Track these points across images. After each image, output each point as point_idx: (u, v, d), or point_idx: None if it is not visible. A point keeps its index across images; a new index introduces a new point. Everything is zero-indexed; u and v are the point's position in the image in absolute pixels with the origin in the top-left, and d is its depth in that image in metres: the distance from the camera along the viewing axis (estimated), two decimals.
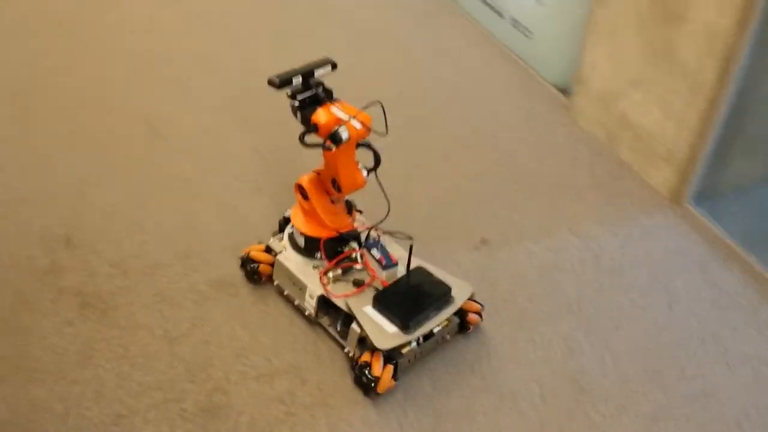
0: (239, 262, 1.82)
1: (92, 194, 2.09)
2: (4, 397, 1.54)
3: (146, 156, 2.26)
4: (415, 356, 1.64)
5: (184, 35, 2.89)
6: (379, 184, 1.64)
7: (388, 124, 1.56)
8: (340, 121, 1.52)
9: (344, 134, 1.50)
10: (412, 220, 1.86)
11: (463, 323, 1.72)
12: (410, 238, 1.66)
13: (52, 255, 1.88)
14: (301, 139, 1.53)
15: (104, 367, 1.61)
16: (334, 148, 1.51)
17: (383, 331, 1.56)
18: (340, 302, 1.63)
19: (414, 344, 1.61)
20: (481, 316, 1.74)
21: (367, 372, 1.55)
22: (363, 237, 1.72)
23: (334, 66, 1.58)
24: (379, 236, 1.72)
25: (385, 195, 1.66)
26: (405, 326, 1.55)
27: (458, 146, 2.42)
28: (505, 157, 2.39)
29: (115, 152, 2.27)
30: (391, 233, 1.73)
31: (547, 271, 1.98)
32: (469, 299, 1.69)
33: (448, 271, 1.72)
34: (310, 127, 1.53)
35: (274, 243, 1.78)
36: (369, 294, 1.63)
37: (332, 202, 1.67)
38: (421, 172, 2.29)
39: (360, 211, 1.84)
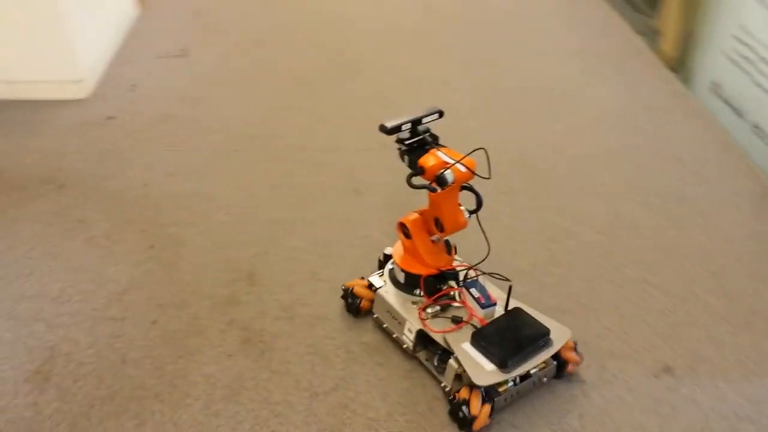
0: (341, 294, 1.94)
1: (283, 238, 2.21)
2: (153, 412, 1.65)
3: (341, 209, 2.35)
4: (512, 396, 1.67)
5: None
6: (480, 225, 1.73)
7: (490, 168, 1.64)
8: (445, 165, 1.61)
9: (449, 177, 1.59)
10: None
11: (560, 367, 1.73)
12: (508, 280, 1.73)
13: (233, 287, 2.00)
14: (409, 181, 1.63)
15: (246, 407, 1.66)
16: (439, 190, 1.61)
17: (481, 368, 1.60)
18: (438, 337, 1.69)
19: (511, 383, 1.64)
20: (578, 364, 1.76)
21: (464, 409, 1.60)
22: (462, 276, 1.79)
23: (441, 114, 1.68)
24: (477, 276, 1.79)
25: (485, 236, 1.75)
26: (503, 365, 1.59)
27: (666, 256, 2.20)
28: (717, 279, 2.11)
29: (314, 202, 2.39)
30: (489, 274, 1.80)
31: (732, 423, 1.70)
32: (568, 345, 1.72)
33: None
34: (417, 170, 1.63)
35: (374, 279, 1.89)
36: (466, 331, 1.69)
37: (432, 241, 1.76)
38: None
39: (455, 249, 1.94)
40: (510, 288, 1.71)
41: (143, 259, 2.08)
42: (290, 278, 2.04)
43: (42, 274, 2.02)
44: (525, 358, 1.62)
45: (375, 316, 1.88)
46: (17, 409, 1.63)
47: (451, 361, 1.67)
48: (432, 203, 1.69)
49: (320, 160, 2.60)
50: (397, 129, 1.63)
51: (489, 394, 1.62)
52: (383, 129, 1.63)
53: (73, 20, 2.79)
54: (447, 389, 1.69)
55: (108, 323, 1.86)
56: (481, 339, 1.64)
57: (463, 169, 1.62)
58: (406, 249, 1.78)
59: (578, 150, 2.69)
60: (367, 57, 3.38)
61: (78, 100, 2.90)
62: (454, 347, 1.65)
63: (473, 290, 1.73)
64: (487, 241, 1.76)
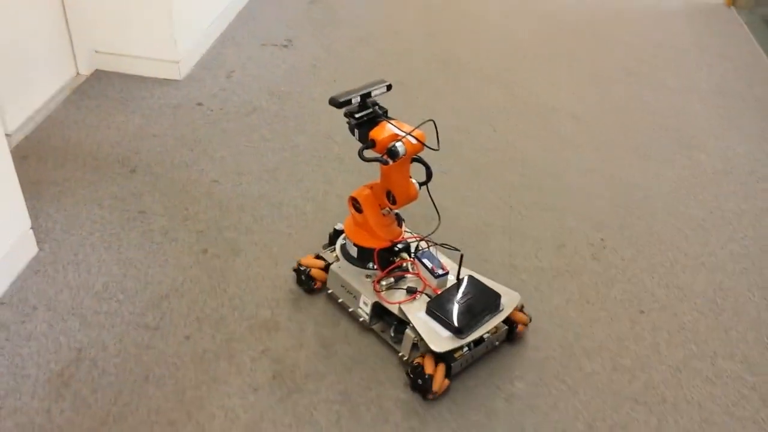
0: (294, 273, 1.94)
1: None
2: None
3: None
4: (467, 361, 1.71)
5: None
6: (431, 197, 1.77)
7: (439, 140, 1.65)
8: (396, 137, 1.62)
9: (401, 149, 1.60)
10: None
11: (511, 330, 1.78)
12: (458, 250, 1.78)
13: (277, 310, 1.87)
14: (360, 154, 1.63)
15: None
16: (390, 162, 1.62)
17: (437, 335, 1.64)
18: (394, 308, 1.72)
19: (466, 349, 1.69)
20: (527, 326, 1.81)
21: (423, 376, 1.62)
22: (414, 247, 1.82)
23: (389, 87, 1.71)
24: (429, 247, 1.82)
25: (436, 208, 1.80)
26: (459, 331, 1.63)
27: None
28: None
29: None
30: (440, 245, 1.83)
31: None
32: (517, 309, 1.78)
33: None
34: (369, 143, 1.63)
35: (326, 254, 1.91)
36: (421, 301, 1.72)
37: (383, 215, 1.77)
38: None
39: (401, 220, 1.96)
40: (461, 257, 1.74)
41: (192, 263, 1.99)
42: (339, 312, 1.89)
43: (91, 264, 1.97)
44: (478, 324, 1.66)
45: (329, 291, 1.90)
46: (30, 413, 1.57)
47: (408, 330, 1.70)
48: (383, 176, 1.70)
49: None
50: (347, 102, 1.64)
51: (446, 360, 1.65)
52: (333, 102, 1.64)
53: (179, 1, 2.75)
54: (405, 358, 1.71)
55: (141, 332, 1.78)
56: (436, 307, 1.67)
57: (413, 141, 1.63)
58: (357, 223, 1.80)
59: (693, 209, 2.36)
60: (478, 65, 3.16)
61: (174, 81, 2.86)
62: (410, 317, 1.68)
63: (426, 261, 1.76)
64: (438, 212, 1.81)
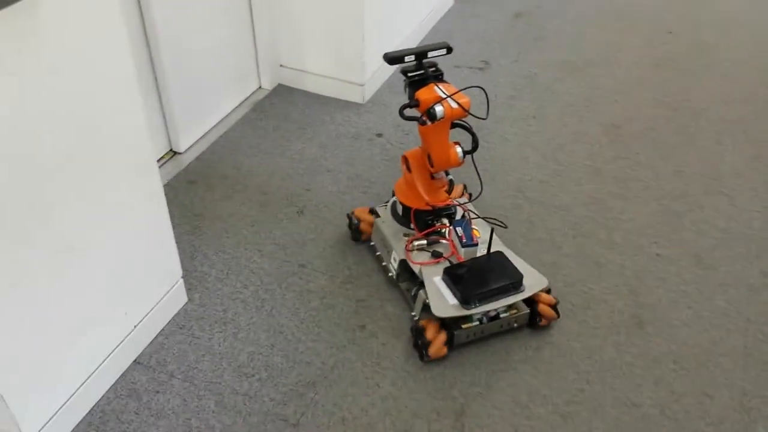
0: (347, 220, 2.01)
1: None
2: None
3: None
4: (475, 334, 1.68)
5: None
6: (476, 167, 1.76)
7: (489, 108, 1.70)
8: (438, 99, 1.59)
9: (440, 111, 1.59)
10: None
11: (533, 315, 1.72)
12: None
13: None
14: (401, 111, 1.63)
15: None
16: (428, 123, 1.61)
17: (445, 301, 1.63)
18: (416, 268, 1.73)
19: (476, 322, 1.66)
20: (557, 311, 1.74)
21: (422, 337, 1.64)
22: (458, 215, 1.82)
23: (449, 50, 1.67)
24: (467, 216, 1.81)
25: (480, 177, 1.86)
26: (465, 300, 1.61)
27: None
28: None
29: None
30: (484, 218, 1.84)
31: None
32: (543, 292, 1.72)
33: None
34: (413, 102, 1.63)
35: (379, 209, 1.95)
36: (444, 266, 1.70)
37: (432, 177, 1.75)
38: None
39: (470, 195, 2.02)
40: (492, 230, 1.71)
41: (347, 342, 1.73)
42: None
43: (239, 327, 1.77)
44: (490, 298, 1.63)
45: (371, 243, 1.94)
46: None
47: (421, 291, 1.70)
48: (422, 137, 1.69)
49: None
50: (398, 59, 1.64)
51: (450, 327, 1.65)
52: (385, 57, 1.63)
53: (372, 22, 2.48)
54: (415, 318, 1.72)
55: (279, 426, 1.54)
56: (451, 275, 1.67)
57: (454, 105, 1.59)
58: (407, 182, 1.79)
59: None
60: (718, 114, 2.60)
61: (356, 104, 2.62)
62: (425, 279, 1.69)
63: (458, 229, 1.74)
64: (480, 180, 1.89)
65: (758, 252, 2.01)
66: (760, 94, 2.72)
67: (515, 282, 1.65)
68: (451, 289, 1.65)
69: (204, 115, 2.40)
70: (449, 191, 1.79)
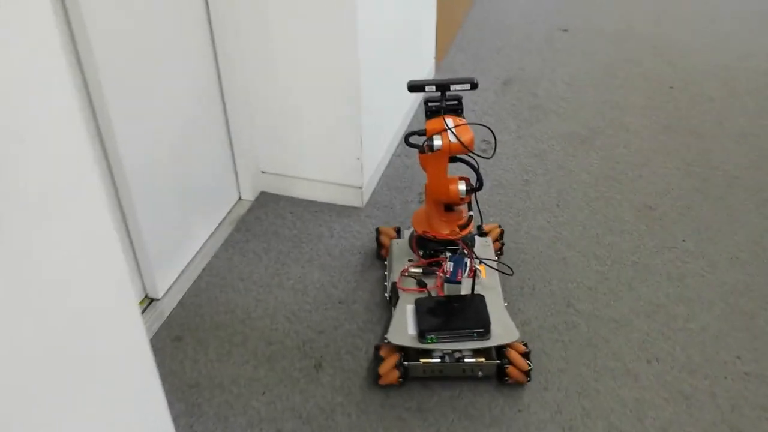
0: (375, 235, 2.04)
1: None
2: None
3: None
4: (432, 371, 1.66)
5: None
6: (477, 206, 1.76)
7: (496, 148, 1.80)
8: (441, 130, 1.61)
9: (436, 142, 1.62)
10: None
11: (501, 369, 1.65)
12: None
13: None
14: (406, 138, 1.68)
15: None
16: (426, 152, 1.63)
17: (404, 329, 1.65)
18: (400, 292, 1.75)
19: (437, 360, 1.64)
20: (528, 375, 1.66)
21: (377, 354, 1.66)
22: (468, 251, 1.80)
23: (473, 86, 1.64)
24: (464, 253, 1.76)
25: (480, 215, 1.84)
26: (421, 334, 1.62)
27: None
28: None
29: None
30: (486, 259, 1.83)
31: None
32: (519, 353, 1.66)
33: None
34: (421, 130, 1.65)
35: (406, 231, 1.96)
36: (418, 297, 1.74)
37: (449, 210, 1.75)
38: None
39: (502, 245, 2.03)
40: (475, 271, 1.72)
41: None
42: None
43: None
44: (450, 338, 1.62)
45: (385, 262, 1.97)
46: None
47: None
48: (421, 165, 1.70)
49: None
50: (419, 88, 1.65)
51: (406, 356, 1.65)
52: (408, 84, 1.66)
53: (369, 119, 2.14)
54: (385, 341, 1.69)
55: None
56: (420, 306, 1.69)
57: (453, 139, 1.60)
58: (425, 210, 1.81)
59: None
60: (757, 181, 2.36)
61: (354, 209, 2.26)
62: (399, 304, 1.72)
63: (450, 263, 1.71)
64: (481, 217, 1.88)
65: None
66: None
67: (480, 328, 1.63)
68: (415, 320, 1.66)
69: (180, 246, 2.00)
70: (465, 226, 1.75)
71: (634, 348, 1.79)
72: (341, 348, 1.79)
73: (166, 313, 1.89)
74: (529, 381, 1.67)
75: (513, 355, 1.66)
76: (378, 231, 2.02)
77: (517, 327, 1.70)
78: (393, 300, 1.79)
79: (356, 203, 2.26)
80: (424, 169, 1.69)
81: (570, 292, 1.95)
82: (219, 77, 2.06)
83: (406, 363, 1.63)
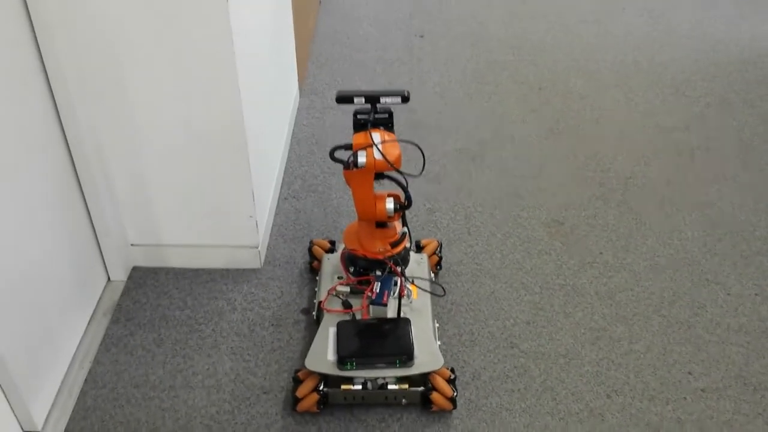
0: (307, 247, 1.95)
1: None
2: None
3: None
4: (354, 398, 1.58)
5: None
6: (406, 225, 1.69)
7: (425, 166, 1.59)
8: (366, 146, 1.53)
9: (361, 159, 1.53)
10: None
11: (425, 396, 1.58)
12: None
13: None
14: (331, 153, 1.57)
15: None
16: (351, 168, 1.55)
17: (323, 354, 1.58)
18: (324, 313, 1.67)
19: (359, 386, 1.57)
20: (454, 402, 1.59)
21: (296, 378, 1.59)
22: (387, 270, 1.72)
23: (404, 99, 1.58)
24: (393, 274, 1.68)
25: (409, 234, 1.71)
26: (341, 360, 1.55)
27: None
28: None
29: None
30: (416, 278, 1.75)
31: None
32: (444, 378, 1.59)
33: None
34: (347, 144, 1.57)
35: (339, 245, 1.89)
36: (347, 318, 1.67)
37: (380, 226, 1.67)
38: None
39: (440, 258, 1.93)
40: (400, 297, 1.65)
41: None
42: None
43: None
44: (370, 365, 1.56)
45: (317, 277, 1.85)
46: None
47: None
48: (346, 181, 1.61)
49: None
50: (346, 99, 1.58)
51: (325, 383, 1.57)
52: (337, 95, 1.59)
53: (257, 175, 1.85)
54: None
55: None
56: (342, 329, 1.62)
57: (378, 156, 1.52)
58: (356, 224, 1.75)
59: None
60: (667, 190, 2.36)
61: (252, 272, 1.96)
62: (321, 327, 1.65)
63: (378, 284, 1.66)
64: (409, 235, 1.73)
65: None
66: (662, 144, 2.55)
67: (402, 355, 1.55)
68: (335, 345, 1.58)
69: (49, 358, 1.60)
70: (397, 244, 1.67)
71: (591, 383, 1.69)
72: None
73: None
74: (454, 408, 1.60)
75: (438, 381, 1.58)
76: (311, 242, 1.94)
77: (468, 382, 1.56)
78: (319, 320, 1.69)
79: (253, 264, 1.97)
80: (349, 186, 1.60)
81: (509, 330, 1.82)
82: (67, 146, 1.67)
83: (325, 389, 1.55)
